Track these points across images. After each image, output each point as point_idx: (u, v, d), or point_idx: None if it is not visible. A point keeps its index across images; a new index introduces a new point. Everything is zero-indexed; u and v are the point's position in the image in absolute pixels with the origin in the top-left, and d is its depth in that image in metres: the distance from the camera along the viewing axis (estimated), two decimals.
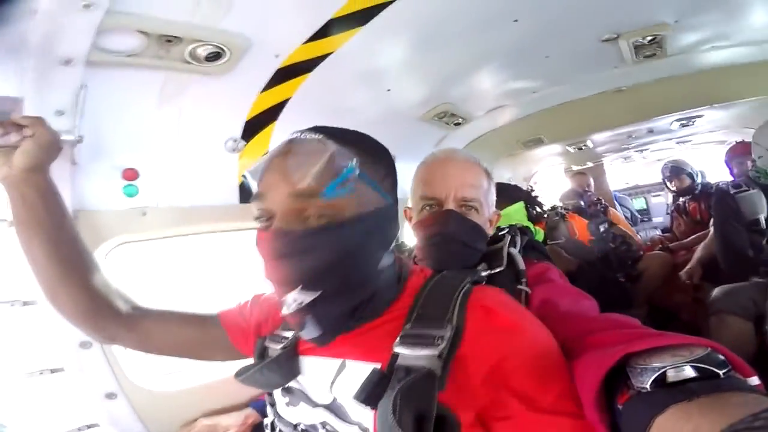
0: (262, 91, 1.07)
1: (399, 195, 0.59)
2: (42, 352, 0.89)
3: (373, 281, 0.54)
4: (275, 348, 0.62)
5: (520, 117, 1.92)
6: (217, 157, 1.12)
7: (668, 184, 2.88)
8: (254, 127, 1.13)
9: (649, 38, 1.25)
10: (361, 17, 0.92)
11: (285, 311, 0.52)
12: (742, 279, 1.63)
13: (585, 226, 2.18)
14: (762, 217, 1.69)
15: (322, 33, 0.95)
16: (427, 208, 0.83)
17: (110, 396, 0.95)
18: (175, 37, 0.80)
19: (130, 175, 0.99)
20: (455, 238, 0.79)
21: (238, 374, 0.60)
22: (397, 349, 0.49)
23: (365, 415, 0.51)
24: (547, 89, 1.65)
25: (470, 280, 0.57)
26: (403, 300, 0.57)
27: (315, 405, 0.57)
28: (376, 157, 0.56)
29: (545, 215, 2.15)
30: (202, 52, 0.86)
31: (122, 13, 0.72)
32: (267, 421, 0.67)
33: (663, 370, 0.39)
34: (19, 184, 0.64)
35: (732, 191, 1.78)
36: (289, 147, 0.53)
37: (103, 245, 0.98)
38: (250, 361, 0.65)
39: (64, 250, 0.67)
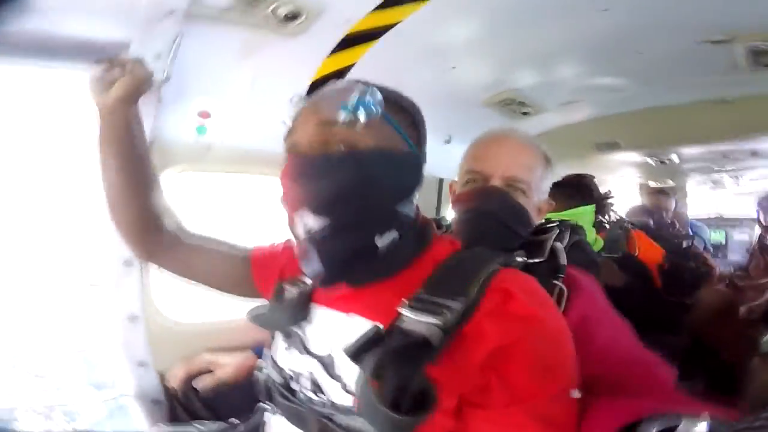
0: (329, 55, 1.10)
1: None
2: (87, 268, 1.00)
3: (386, 225, 0.54)
4: (292, 292, 0.64)
5: (598, 116, 1.76)
6: (281, 111, 1.19)
7: (762, 216, 2.53)
8: (318, 89, 1.18)
9: None
10: None
11: (296, 241, 0.54)
12: None
13: (650, 246, 2.01)
14: None
15: (391, 2, 0.95)
16: (471, 182, 0.81)
17: (132, 319, 1.01)
18: None
19: (204, 115, 1.09)
20: (494, 215, 0.76)
21: (249, 312, 0.64)
22: (403, 311, 0.49)
23: (351, 372, 0.51)
24: (633, 89, 1.49)
25: (501, 261, 0.55)
26: (425, 264, 0.56)
27: (307, 353, 0.59)
28: (403, 106, 0.58)
29: (608, 225, 2.01)
30: (282, 11, 0.93)
31: None
32: (260, 362, 0.69)
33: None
34: (111, 110, 0.74)
35: None
36: (320, 92, 0.57)
37: (169, 170, 1.09)
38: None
39: (133, 167, 0.75)
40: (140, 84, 0.75)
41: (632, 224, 2.24)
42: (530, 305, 0.49)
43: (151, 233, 0.77)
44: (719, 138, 1.95)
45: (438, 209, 1.77)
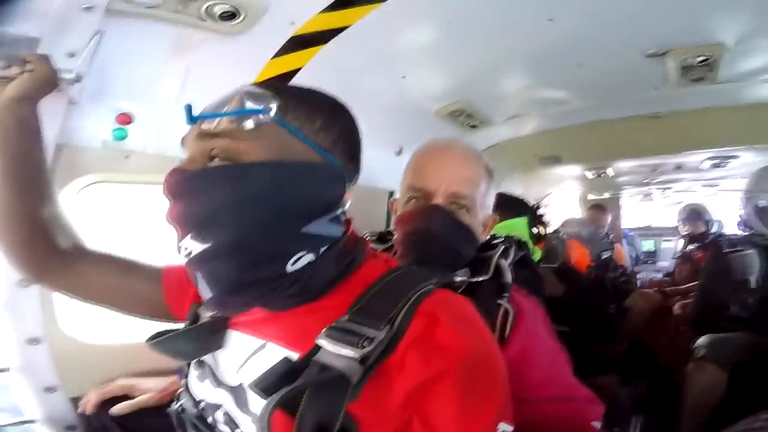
0: (273, 57, 1.03)
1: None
2: None
3: (289, 246, 0.47)
4: (206, 316, 0.56)
5: (542, 130, 1.83)
6: None
7: (682, 226, 2.81)
8: None
9: (701, 59, 1.13)
10: None
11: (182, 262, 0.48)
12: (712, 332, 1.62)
13: (583, 254, 2.12)
14: (752, 278, 1.64)
15: (340, 4, 0.91)
16: (414, 200, 0.76)
17: (32, 341, 0.90)
18: None
19: (124, 119, 0.98)
20: (439, 237, 0.72)
21: (151, 338, 0.54)
22: (320, 341, 0.42)
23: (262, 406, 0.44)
24: (575, 103, 1.55)
25: (436, 281, 0.49)
26: (353, 287, 0.49)
27: (218, 384, 0.52)
28: (313, 107, 0.50)
29: (546, 236, 2.09)
30: (218, 9, 0.86)
31: None
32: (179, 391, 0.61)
33: None
34: (2, 111, 0.66)
35: (726, 250, 1.74)
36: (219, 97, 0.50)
37: (79, 180, 0.96)
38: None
39: (22, 179, 0.66)
40: (41, 83, 0.70)
41: (567, 234, 2.38)
42: (454, 331, 0.44)
43: (40, 251, 0.66)
44: (650, 152, 2.10)
45: (388, 223, 1.72)
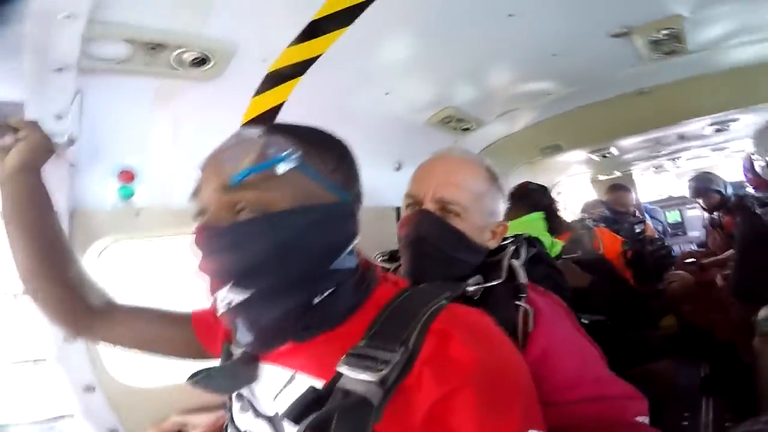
0: (254, 96, 1.07)
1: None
2: (28, 343, 0.93)
3: (321, 284, 0.50)
4: (238, 352, 0.58)
5: (536, 122, 1.83)
6: None
7: (698, 201, 2.71)
8: None
9: (664, 32, 1.14)
10: (344, 17, 0.91)
11: (219, 313, 0.49)
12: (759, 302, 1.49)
13: (612, 239, 2.06)
14: None
15: (307, 35, 0.94)
16: (409, 207, 0.78)
17: (88, 389, 0.97)
18: (159, 44, 0.83)
19: (127, 177, 1.03)
20: (427, 241, 0.72)
21: (191, 377, 0.56)
22: (341, 369, 0.44)
23: None
24: (561, 91, 1.56)
25: (447, 296, 0.50)
26: (369, 311, 0.51)
27: (258, 415, 0.54)
28: (324, 149, 0.53)
29: (569, 227, 2.05)
30: (188, 57, 0.88)
31: (106, 23, 0.76)
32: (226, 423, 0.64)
33: None
34: (9, 183, 0.69)
35: (758, 210, 1.66)
36: (226, 142, 0.51)
37: (97, 243, 1.01)
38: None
39: (43, 246, 0.70)
40: (39, 150, 0.72)
41: (595, 221, 2.32)
42: (470, 346, 0.44)
43: (73, 312, 0.70)
44: (647, 126, 2.07)
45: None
